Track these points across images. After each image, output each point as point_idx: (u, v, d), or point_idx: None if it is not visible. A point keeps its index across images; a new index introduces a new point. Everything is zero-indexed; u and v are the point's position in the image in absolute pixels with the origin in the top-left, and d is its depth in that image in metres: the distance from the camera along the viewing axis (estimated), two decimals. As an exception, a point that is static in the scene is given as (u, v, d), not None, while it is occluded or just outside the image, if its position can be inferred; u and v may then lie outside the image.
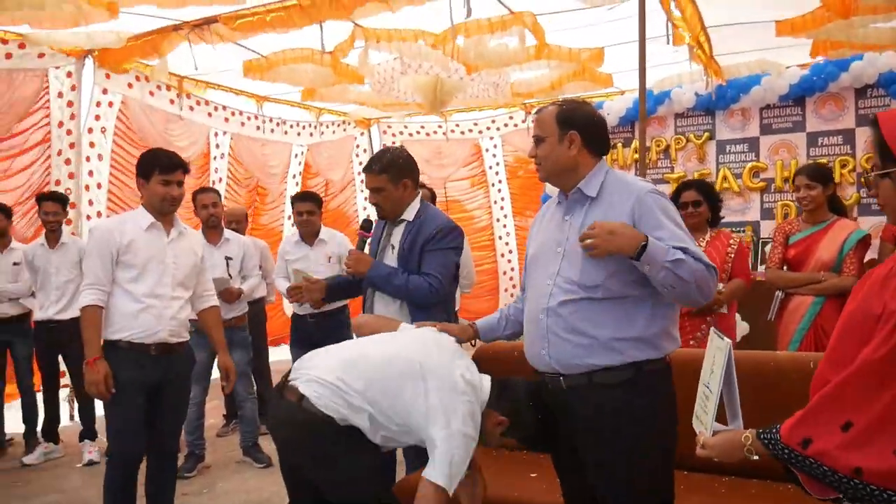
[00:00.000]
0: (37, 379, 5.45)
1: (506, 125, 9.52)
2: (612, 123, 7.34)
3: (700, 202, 3.92)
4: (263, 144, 8.46)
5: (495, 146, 9.77)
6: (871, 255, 4.27)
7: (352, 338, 3.47)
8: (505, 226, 9.91)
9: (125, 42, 5.82)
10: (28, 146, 6.12)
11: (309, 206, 5.00)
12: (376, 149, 9.43)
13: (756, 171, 6.81)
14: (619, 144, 7.46)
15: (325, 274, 4.75)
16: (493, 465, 3.27)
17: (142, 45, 5.92)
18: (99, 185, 6.51)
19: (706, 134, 7.04)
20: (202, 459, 4.91)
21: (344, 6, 5.11)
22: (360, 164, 9.43)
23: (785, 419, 1.53)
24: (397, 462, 3.39)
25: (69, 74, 6.23)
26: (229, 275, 4.91)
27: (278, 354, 7.16)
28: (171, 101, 7.04)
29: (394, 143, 9.90)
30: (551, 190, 7.42)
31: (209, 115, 7.60)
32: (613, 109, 7.40)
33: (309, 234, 5.03)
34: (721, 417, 1.69)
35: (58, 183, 6.22)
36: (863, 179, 6.00)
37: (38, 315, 5.24)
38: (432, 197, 4.98)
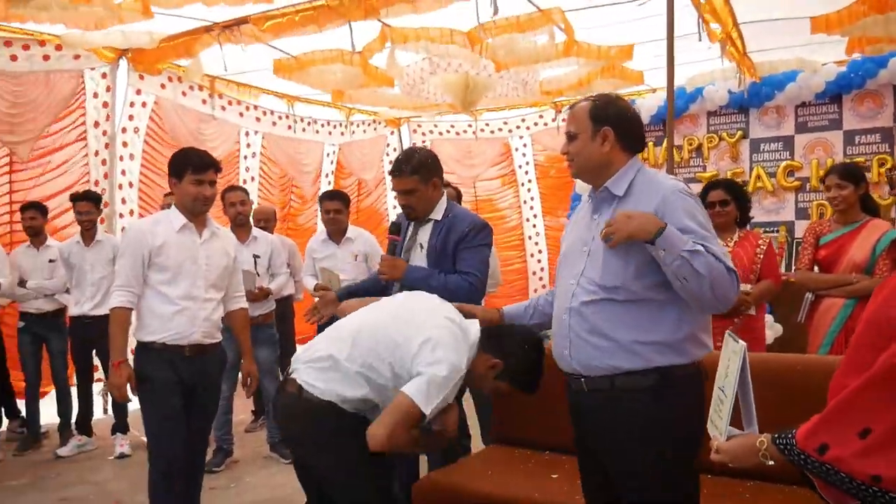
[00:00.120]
0: (71, 373, 5.58)
1: (535, 124, 9.47)
2: (644, 122, 7.22)
3: (727, 201, 3.86)
4: (298, 143, 8.54)
5: (525, 145, 9.72)
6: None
7: None
8: (534, 226, 9.86)
9: (158, 43, 5.91)
10: (64, 145, 6.25)
11: (336, 205, 5.04)
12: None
13: (791, 170, 6.69)
14: (651, 143, 7.37)
15: (351, 272, 4.79)
16: (515, 466, 3.27)
17: (174, 47, 6.01)
18: (131, 185, 6.63)
19: (739, 132, 6.93)
20: (230, 454, 4.98)
21: (372, 6, 5.14)
22: (391, 163, 9.45)
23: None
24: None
25: (104, 75, 6.35)
26: (257, 273, 4.97)
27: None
28: (204, 102, 7.13)
29: (423, 142, 9.92)
30: (581, 189, 7.38)
31: (241, 114, 7.69)
32: (644, 107, 7.32)
33: (336, 233, 5.06)
34: (736, 422, 1.66)
35: (96, 183, 6.34)
36: (888, 178, 5.85)
37: (73, 311, 5.36)
38: (458, 196, 4.98)
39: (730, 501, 2.69)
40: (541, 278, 9.83)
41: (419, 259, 3.25)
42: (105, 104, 6.38)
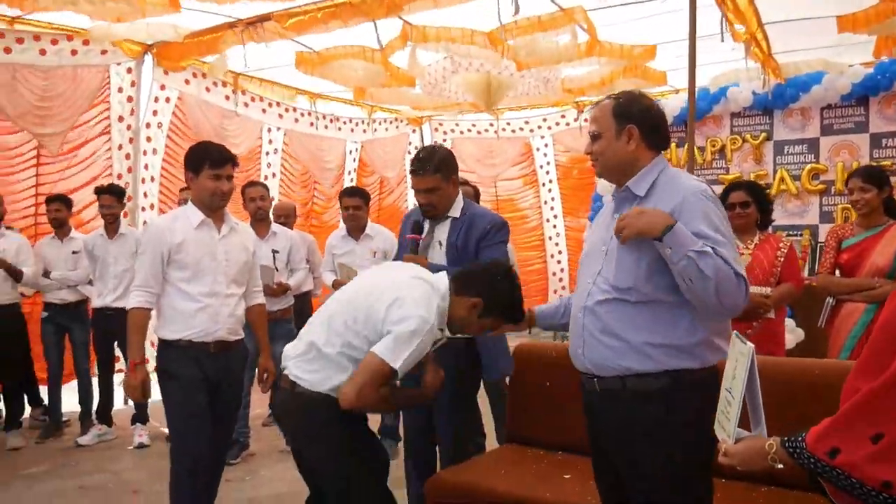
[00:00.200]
0: (93, 363, 5.66)
1: (557, 124, 9.45)
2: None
3: (748, 203, 3.82)
4: (320, 140, 8.59)
5: (546, 145, 9.70)
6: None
7: None
8: (555, 226, 9.83)
9: (183, 38, 5.98)
10: (88, 139, 6.35)
11: (356, 201, 5.06)
12: (428, 146, 9.46)
13: (815, 172, 6.61)
14: (674, 144, 7.31)
15: (369, 268, 4.80)
16: (528, 466, 3.26)
17: (198, 44, 6.07)
18: (153, 179, 6.71)
19: (763, 134, 6.85)
20: (247, 447, 5.02)
21: (394, 3, 5.15)
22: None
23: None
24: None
25: (129, 70, 6.45)
26: (276, 268, 5.00)
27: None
28: (227, 98, 7.20)
29: (444, 140, 9.93)
30: (603, 189, 7.35)
31: (263, 111, 7.75)
32: (667, 108, 7.24)
33: (355, 229, 5.08)
34: (744, 424, 1.64)
35: (119, 177, 6.44)
36: None
37: (96, 302, 5.43)
38: (476, 195, 4.97)
39: (743, 505, 2.66)
40: (560, 279, 9.80)
41: (438, 256, 3.26)
42: (129, 99, 6.47)
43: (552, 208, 9.83)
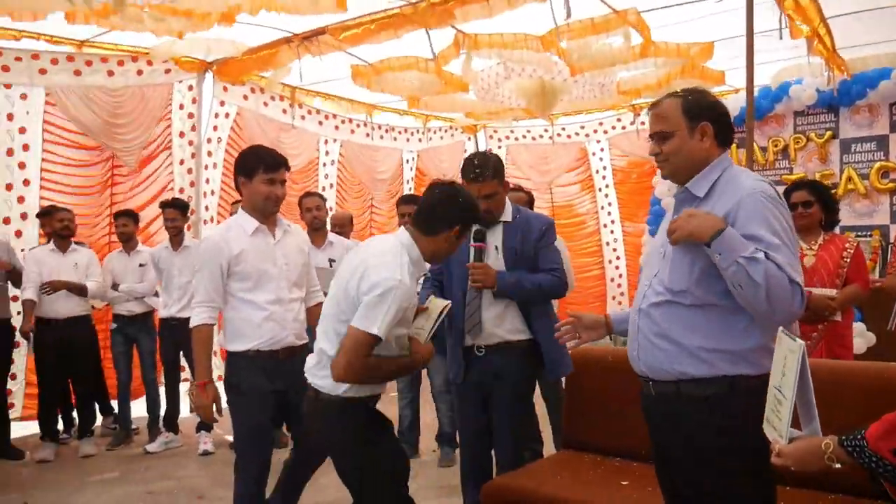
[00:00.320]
0: (160, 372, 5.84)
1: (613, 128, 9.34)
2: (726, 124, 7.04)
3: (811, 203, 3.70)
4: (374, 151, 8.69)
5: (602, 149, 9.58)
6: None
7: None
8: (612, 231, 9.69)
9: (241, 54, 6.15)
10: (152, 156, 6.59)
11: (411, 208, 5.07)
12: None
13: (885, 171, 6.36)
14: (735, 145, 7.14)
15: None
16: (584, 471, 3.22)
17: (256, 59, 6.24)
18: (213, 192, 6.90)
19: (829, 132, 6.64)
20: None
21: (447, 12, 5.19)
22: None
23: None
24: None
25: (190, 87, 6.67)
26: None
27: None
28: (284, 111, 7.36)
29: (499, 147, 9.93)
30: (661, 193, 7.22)
31: (320, 123, 7.90)
32: (727, 108, 7.09)
33: (412, 235, 5.12)
34: (794, 423, 1.58)
35: (181, 191, 6.65)
36: None
37: (162, 313, 5.61)
38: (531, 201, 4.94)
39: (808, 514, 2.57)
40: (619, 285, 9.65)
41: (494, 261, 3.26)
42: (191, 115, 6.69)
43: (609, 213, 9.70)
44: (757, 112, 6.65)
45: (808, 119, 6.78)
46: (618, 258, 9.68)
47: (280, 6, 4.82)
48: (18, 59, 5.72)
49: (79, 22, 5.00)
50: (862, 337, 4.98)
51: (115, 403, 5.99)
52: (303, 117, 7.64)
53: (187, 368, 5.91)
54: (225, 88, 6.82)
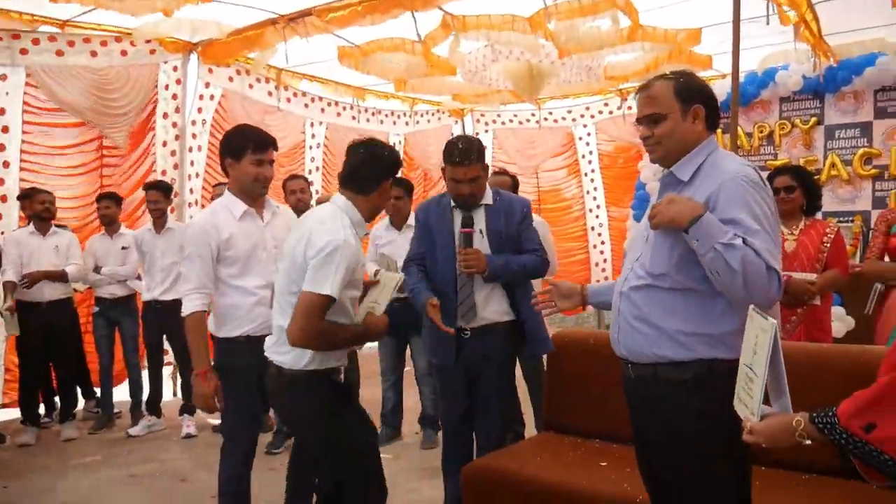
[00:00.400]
0: (143, 356, 5.81)
1: (600, 112, 9.32)
2: (713, 109, 7.05)
3: (793, 188, 3.72)
4: (360, 134, 8.63)
5: (589, 134, 9.57)
6: None
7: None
8: (597, 216, 9.71)
9: (226, 35, 6.08)
10: (144, 135, 6.53)
11: (397, 192, 5.07)
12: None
13: (868, 157, 6.38)
14: (720, 130, 7.15)
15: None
16: (565, 453, 3.24)
17: (241, 40, 6.17)
18: (198, 175, 6.85)
19: (814, 119, 6.65)
20: (291, 436, 5.09)
21: (433, -7, 5.15)
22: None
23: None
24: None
25: (175, 69, 6.59)
26: None
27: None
28: (270, 94, 7.30)
29: (486, 131, 9.91)
30: (646, 177, 7.23)
31: (306, 105, 7.84)
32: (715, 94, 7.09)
33: (398, 219, 5.11)
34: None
35: (164, 173, 6.59)
36: None
37: (145, 296, 5.58)
38: (515, 185, 4.94)
39: (783, 494, 2.59)
40: (603, 269, 9.69)
41: (479, 245, 3.27)
42: (175, 96, 6.61)
43: (595, 198, 9.71)
44: (743, 98, 6.66)
45: (793, 105, 6.78)
46: (602, 243, 9.71)
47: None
48: (-1, 38, 5.64)
49: (61, 0, 4.93)
50: (841, 321, 5.03)
51: (97, 388, 5.97)
52: (288, 100, 7.58)
53: (171, 352, 5.90)
54: (210, 70, 6.75)
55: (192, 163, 6.80)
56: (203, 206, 6.75)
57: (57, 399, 5.69)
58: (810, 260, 3.62)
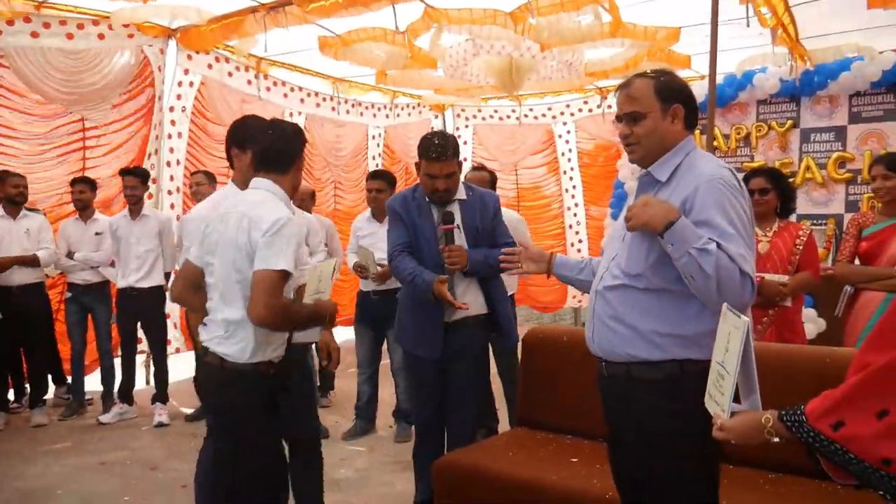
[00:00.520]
0: (116, 343, 5.75)
1: (580, 110, 9.35)
2: (690, 110, 7.10)
3: (767, 190, 3.76)
4: (339, 126, 8.59)
5: (569, 132, 9.59)
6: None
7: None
8: (575, 215, 9.74)
9: (206, 21, 6.01)
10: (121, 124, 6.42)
11: (379, 184, 5.09)
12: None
13: (842, 161, 6.48)
14: (698, 131, 7.21)
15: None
16: (536, 449, 3.27)
17: (221, 28, 6.10)
18: (178, 162, 6.77)
19: (790, 122, 6.73)
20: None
21: (415, -15, 5.13)
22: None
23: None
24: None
25: (161, 52, 6.48)
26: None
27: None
28: (249, 82, 7.23)
29: (466, 126, 9.90)
30: (625, 176, 7.27)
31: (285, 95, 7.77)
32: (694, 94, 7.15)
33: (379, 212, 5.10)
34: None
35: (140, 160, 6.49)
36: None
37: (119, 283, 5.50)
38: (493, 181, 4.96)
39: (748, 491, 2.64)
40: (581, 268, 9.71)
41: (458, 239, 3.28)
42: (153, 82, 6.51)
43: (573, 196, 9.74)
44: (721, 99, 6.72)
45: (770, 108, 6.86)
46: (580, 241, 9.75)
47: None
48: (-30, 19, 5.51)
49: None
50: (813, 323, 5.11)
51: (68, 374, 5.90)
52: (268, 89, 7.51)
53: (144, 340, 5.85)
54: (189, 57, 6.67)
55: (171, 150, 6.71)
56: (186, 195, 6.68)
57: (27, 385, 5.61)
58: (783, 262, 3.68)
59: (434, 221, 3.33)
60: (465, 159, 9.08)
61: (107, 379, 5.66)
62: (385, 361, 5.23)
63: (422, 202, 3.35)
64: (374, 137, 9.20)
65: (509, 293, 4.28)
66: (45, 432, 5.25)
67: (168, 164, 6.73)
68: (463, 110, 9.96)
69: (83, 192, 5.58)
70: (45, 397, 5.61)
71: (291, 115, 7.97)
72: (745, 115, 6.99)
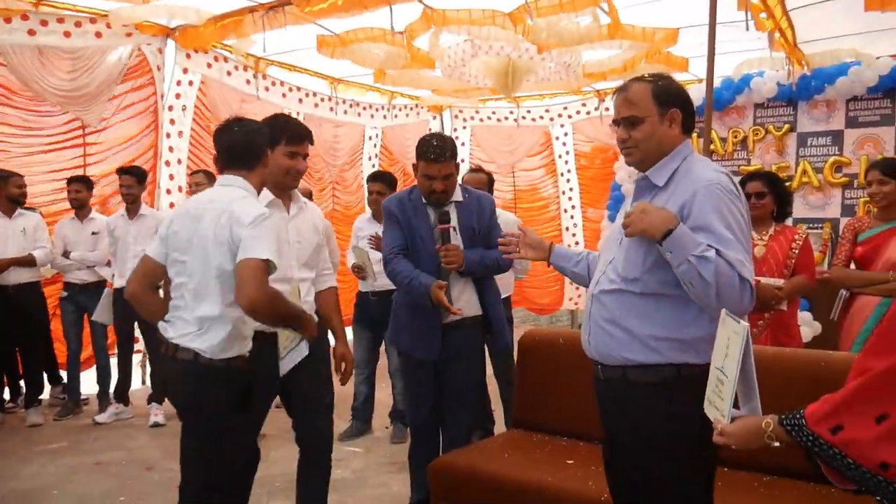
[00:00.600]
0: (112, 343, 5.74)
1: (578, 112, 9.36)
2: (688, 113, 7.12)
3: (764, 194, 3.78)
4: (336, 126, 8.59)
5: (566, 134, 9.60)
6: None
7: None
8: (572, 217, 9.75)
9: (205, 21, 6.01)
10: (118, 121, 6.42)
11: (379, 186, 5.10)
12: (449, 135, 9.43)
13: (839, 165, 6.49)
14: (695, 135, 7.22)
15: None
16: (532, 450, 3.28)
17: (219, 28, 6.10)
18: (179, 161, 6.76)
19: (787, 126, 6.74)
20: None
21: (413, -13, 5.14)
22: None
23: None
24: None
25: (160, 51, 6.48)
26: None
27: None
28: (248, 82, 7.23)
29: (464, 128, 9.91)
30: (621, 179, 7.28)
31: (283, 95, 7.77)
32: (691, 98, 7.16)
33: (380, 213, 5.11)
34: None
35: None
36: None
37: (116, 283, 5.49)
38: (490, 182, 4.97)
39: (743, 494, 2.65)
40: (576, 269, 9.72)
41: (454, 240, 3.30)
42: (152, 81, 6.51)
43: (570, 198, 9.75)
44: (719, 103, 6.73)
45: (767, 112, 6.88)
46: (577, 243, 9.75)
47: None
48: (-33, 16, 5.50)
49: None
50: (809, 326, 5.12)
51: (64, 373, 5.89)
52: (266, 89, 7.51)
53: (141, 340, 5.84)
54: (188, 56, 6.67)
55: (170, 149, 6.69)
56: (189, 194, 6.66)
57: (23, 384, 5.61)
58: (779, 265, 3.69)
59: (430, 223, 3.33)
60: (463, 160, 9.10)
61: (102, 378, 5.66)
62: (382, 362, 5.23)
63: (418, 203, 3.36)
64: (370, 138, 9.20)
65: (505, 295, 4.31)
66: (40, 432, 5.24)
67: (167, 163, 6.72)
68: (461, 111, 9.97)
69: (79, 192, 5.58)
70: (41, 397, 5.61)
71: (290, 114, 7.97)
72: (742, 119, 7.01)
